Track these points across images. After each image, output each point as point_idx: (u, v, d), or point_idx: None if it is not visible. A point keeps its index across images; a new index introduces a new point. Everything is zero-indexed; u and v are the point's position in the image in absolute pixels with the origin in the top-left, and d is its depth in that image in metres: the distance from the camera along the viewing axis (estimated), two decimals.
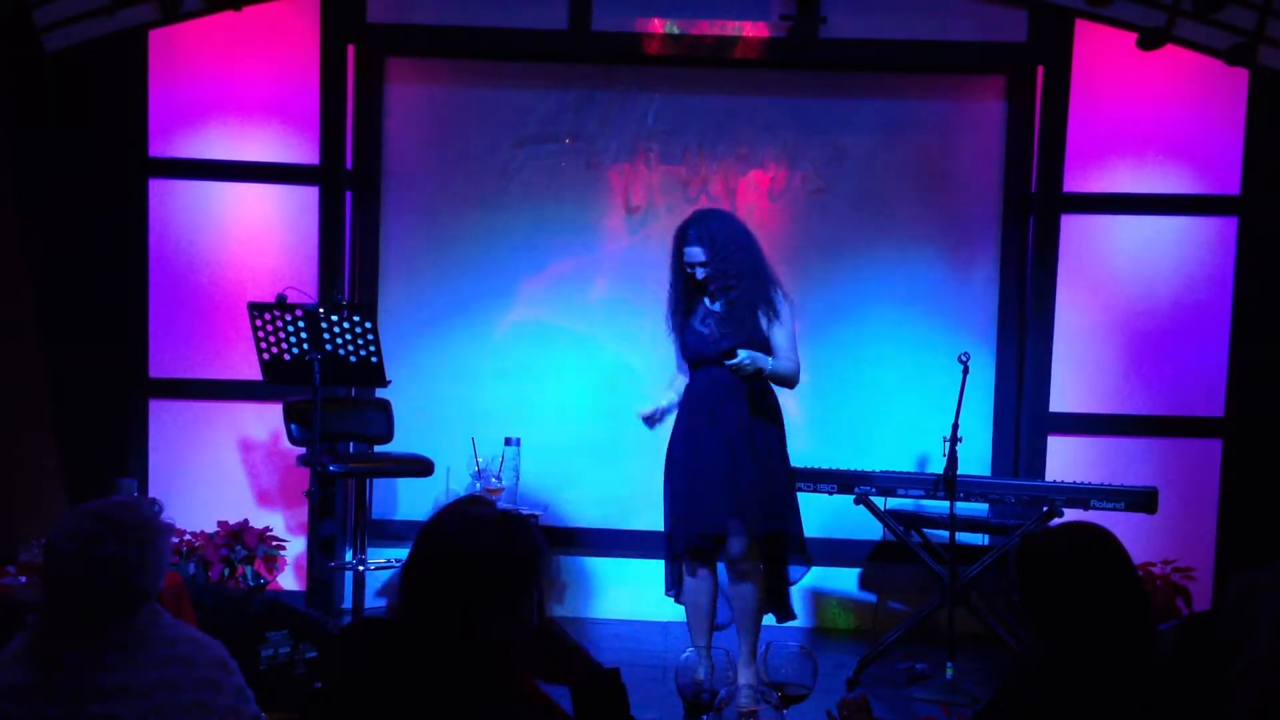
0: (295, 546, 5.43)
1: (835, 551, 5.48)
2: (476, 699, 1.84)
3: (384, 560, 5.23)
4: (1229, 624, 2.27)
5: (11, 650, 2.22)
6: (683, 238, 4.17)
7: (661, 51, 5.42)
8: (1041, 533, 2.33)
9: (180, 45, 5.35)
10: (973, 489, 4.74)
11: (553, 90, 5.70)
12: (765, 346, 4.10)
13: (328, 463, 4.87)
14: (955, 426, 4.52)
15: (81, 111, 5.20)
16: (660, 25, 5.41)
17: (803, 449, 4.82)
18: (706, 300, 4.22)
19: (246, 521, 5.34)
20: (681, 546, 4.17)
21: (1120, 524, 4.03)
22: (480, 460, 5.15)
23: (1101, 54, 5.29)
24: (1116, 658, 2.09)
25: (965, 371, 4.52)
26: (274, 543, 5.33)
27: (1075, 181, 5.36)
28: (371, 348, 4.72)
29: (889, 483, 4.84)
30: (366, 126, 5.64)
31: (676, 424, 4.27)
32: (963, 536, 4.82)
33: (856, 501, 4.79)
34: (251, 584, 5.19)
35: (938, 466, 4.78)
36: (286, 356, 4.74)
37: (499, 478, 5.15)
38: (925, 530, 4.94)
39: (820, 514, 5.22)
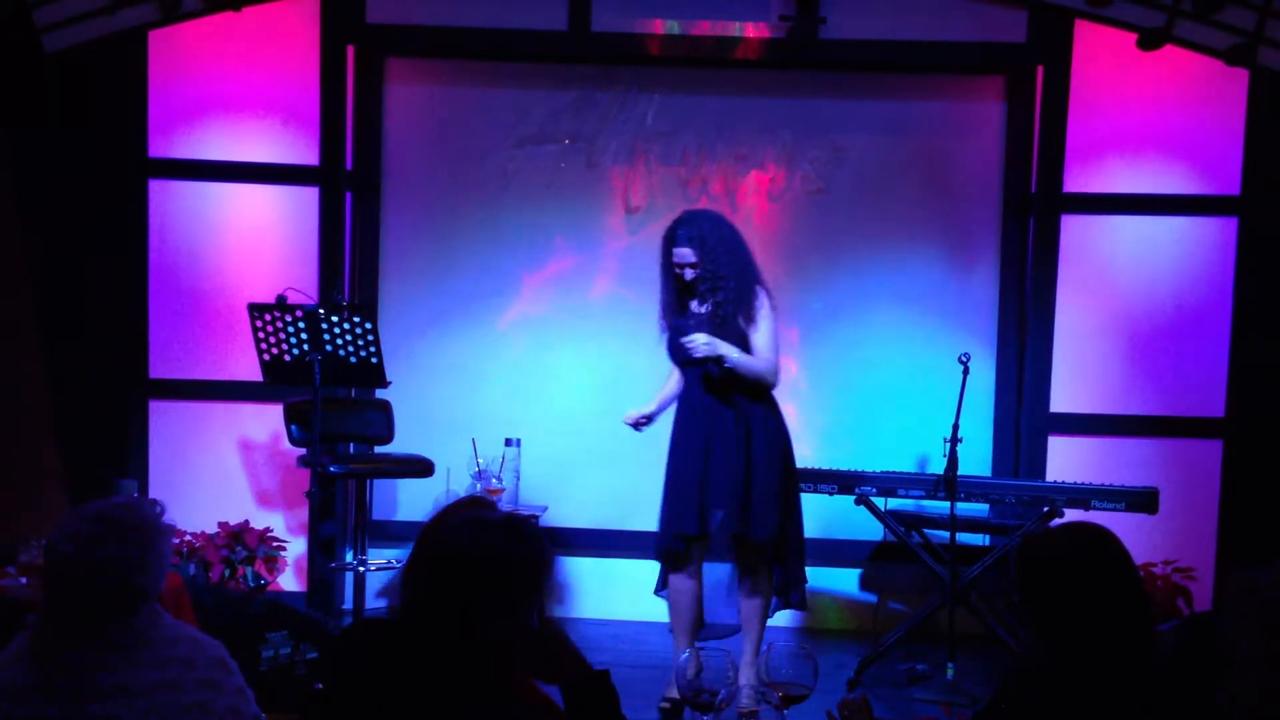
0: (296, 547, 5.43)
1: (835, 552, 5.49)
2: (477, 699, 1.84)
3: (384, 561, 5.23)
4: (1229, 624, 2.27)
5: (11, 650, 2.22)
6: (672, 239, 4.11)
7: (661, 52, 5.42)
8: (1042, 533, 2.33)
9: (180, 46, 5.35)
10: (973, 489, 4.74)
11: (552, 91, 5.70)
12: (746, 346, 4.07)
13: (328, 463, 4.87)
14: (955, 427, 4.51)
15: (81, 112, 5.21)
16: (660, 26, 5.41)
17: (803, 450, 4.82)
18: (694, 302, 4.17)
19: (247, 522, 5.34)
20: (658, 545, 4.19)
21: (1121, 524, 4.05)
22: (480, 461, 5.15)
23: (1101, 54, 5.29)
24: (1117, 658, 2.09)
25: (965, 372, 4.52)
26: (274, 543, 5.34)
27: (1075, 182, 5.36)
28: (372, 348, 4.72)
29: (889, 483, 4.84)
30: (366, 127, 5.64)
31: (673, 425, 4.28)
32: (963, 537, 4.83)
33: (857, 502, 4.78)
34: (252, 585, 5.20)
35: (938, 467, 4.78)
36: (287, 357, 4.74)
37: (499, 478, 5.15)
38: (926, 531, 4.94)
39: (820, 514, 5.23)
